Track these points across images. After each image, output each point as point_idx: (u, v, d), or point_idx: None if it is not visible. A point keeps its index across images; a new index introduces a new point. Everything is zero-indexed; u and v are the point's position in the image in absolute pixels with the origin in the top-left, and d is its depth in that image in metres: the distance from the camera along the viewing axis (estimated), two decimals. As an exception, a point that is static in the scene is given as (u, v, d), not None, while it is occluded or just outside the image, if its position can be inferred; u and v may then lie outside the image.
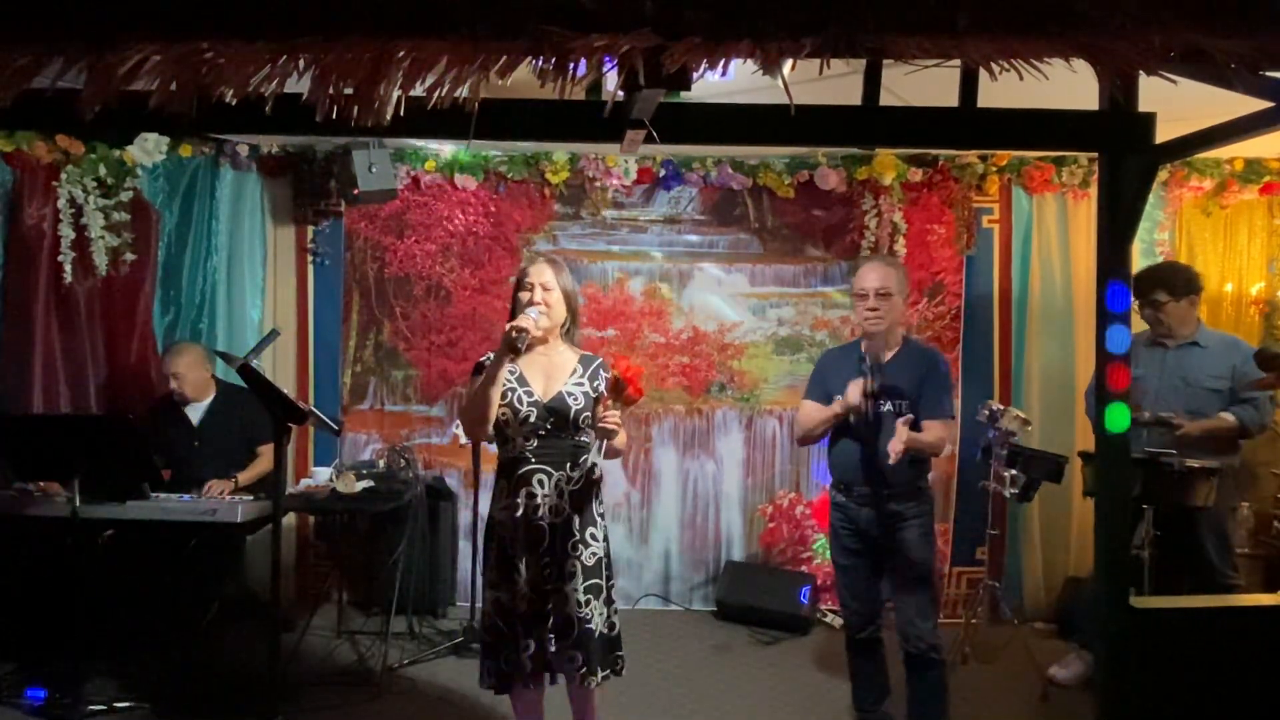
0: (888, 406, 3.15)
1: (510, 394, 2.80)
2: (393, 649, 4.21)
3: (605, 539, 2.89)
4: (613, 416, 2.68)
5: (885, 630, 3.37)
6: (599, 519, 2.88)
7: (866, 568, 3.30)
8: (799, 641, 4.63)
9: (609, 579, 2.89)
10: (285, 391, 3.38)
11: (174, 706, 3.57)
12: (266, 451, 4.33)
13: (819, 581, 4.89)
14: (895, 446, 2.99)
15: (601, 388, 2.79)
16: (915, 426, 3.07)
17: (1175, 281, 3.83)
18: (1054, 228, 4.99)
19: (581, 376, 2.84)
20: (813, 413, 3.33)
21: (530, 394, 2.78)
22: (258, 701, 3.48)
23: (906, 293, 3.36)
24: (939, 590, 3.29)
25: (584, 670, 2.78)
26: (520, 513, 2.80)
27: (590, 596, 2.80)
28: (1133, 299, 3.76)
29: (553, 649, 2.78)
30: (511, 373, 2.83)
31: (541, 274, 2.84)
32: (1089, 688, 3.82)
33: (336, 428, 4.47)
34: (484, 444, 4.46)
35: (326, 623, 4.60)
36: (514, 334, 2.68)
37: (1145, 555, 3.51)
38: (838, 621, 4.81)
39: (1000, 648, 4.28)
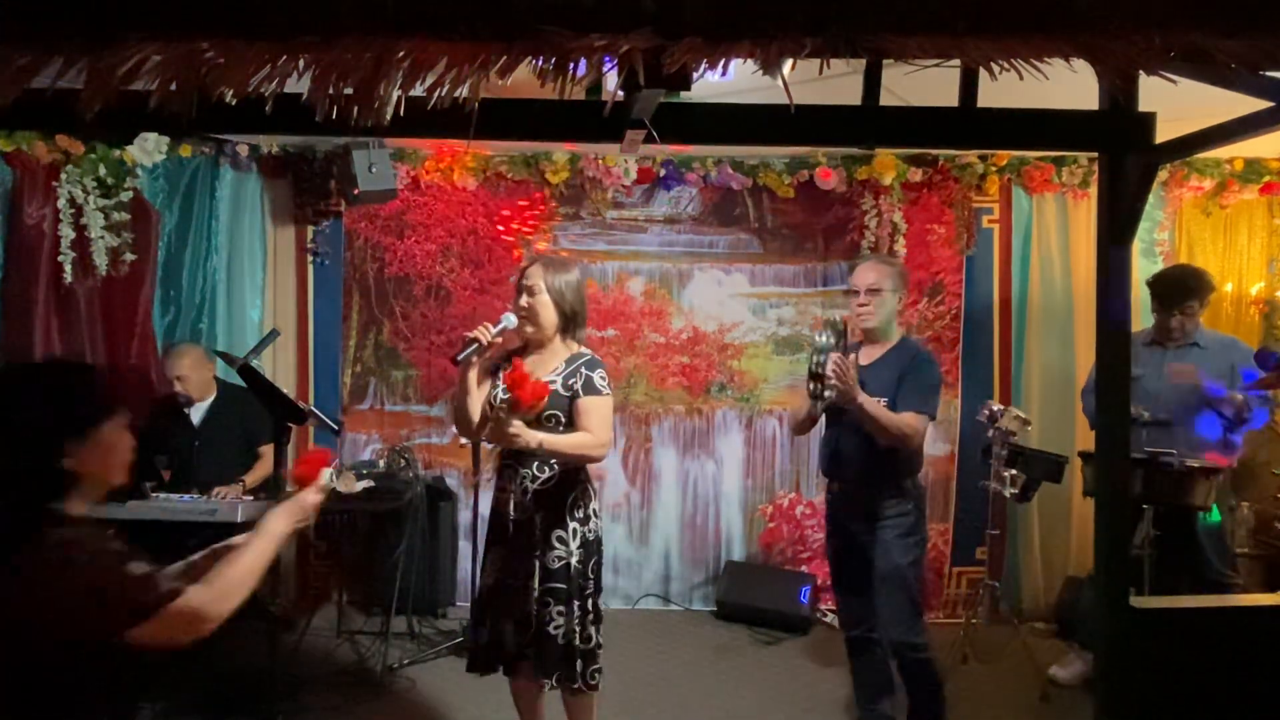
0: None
1: (495, 392, 2.85)
2: (393, 649, 4.21)
3: (583, 547, 2.82)
4: (512, 428, 2.66)
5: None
6: (574, 525, 2.81)
7: (852, 566, 3.26)
8: (799, 641, 4.63)
9: (582, 589, 2.81)
10: (285, 391, 3.38)
11: (174, 706, 3.57)
12: (267, 452, 4.33)
13: (819, 581, 4.89)
14: (837, 363, 2.91)
15: (577, 386, 2.79)
16: None
17: (1202, 288, 3.86)
18: (1054, 228, 4.99)
19: (556, 374, 2.81)
20: (798, 403, 3.37)
21: (507, 391, 2.80)
22: (258, 701, 3.48)
23: (903, 292, 3.36)
24: (917, 593, 3.19)
25: (539, 672, 2.80)
26: (494, 505, 2.92)
27: (551, 600, 2.77)
28: (1154, 305, 3.85)
29: (512, 642, 2.81)
30: (507, 371, 2.87)
31: (529, 277, 2.87)
32: (1089, 688, 3.83)
33: (336, 428, 4.47)
34: (484, 445, 4.50)
35: (326, 623, 4.60)
36: (463, 344, 2.76)
37: (1145, 555, 3.52)
38: (838, 621, 4.82)
39: (1000, 648, 4.27)
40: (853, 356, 3.07)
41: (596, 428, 2.79)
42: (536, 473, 2.81)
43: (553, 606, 2.77)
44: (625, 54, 1.70)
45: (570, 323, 2.88)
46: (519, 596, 2.79)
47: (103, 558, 1.60)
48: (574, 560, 2.79)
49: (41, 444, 1.62)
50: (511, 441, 2.69)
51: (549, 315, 2.84)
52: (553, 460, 2.80)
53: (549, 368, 2.84)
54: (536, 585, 2.77)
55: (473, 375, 2.83)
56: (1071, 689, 3.94)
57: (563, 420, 2.78)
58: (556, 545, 2.79)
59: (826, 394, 3.02)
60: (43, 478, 1.62)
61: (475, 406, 2.87)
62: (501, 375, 2.78)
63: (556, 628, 2.76)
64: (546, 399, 2.73)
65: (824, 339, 3.00)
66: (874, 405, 3.03)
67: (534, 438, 2.70)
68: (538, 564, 2.78)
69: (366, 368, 5.11)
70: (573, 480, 2.83)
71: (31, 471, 1.62)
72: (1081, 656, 4.02)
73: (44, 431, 1.62)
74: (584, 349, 2.91)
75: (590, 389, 2.80)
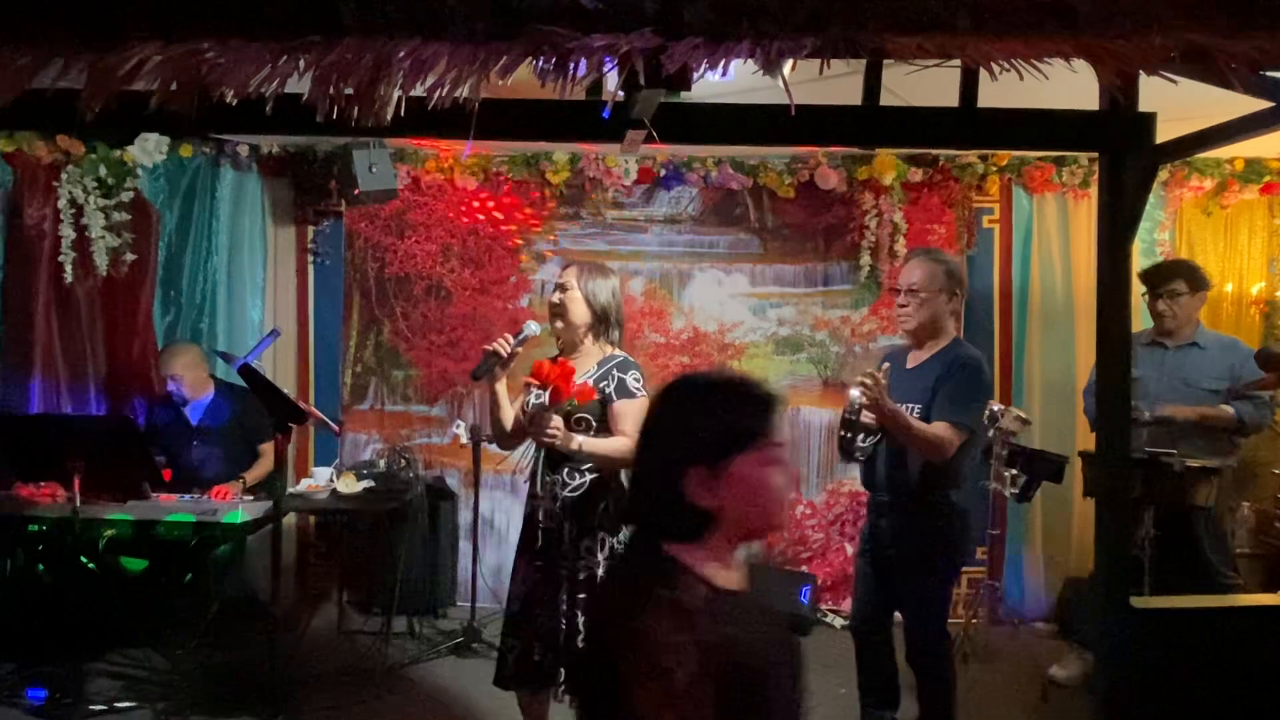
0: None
1: (528, 396, 2.81)
2: (393, 649, 4.21)
3: (611, 558, 2.70)
4: (551, 424, 2.59)
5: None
6: (602, 535, 2.71)
7: (872, 575, 3.22)
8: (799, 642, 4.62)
9: None
10: (285, 391, 3.38)
11: (174, 706, 3.57)
12: (268, 451, 4.34)
13: (819, 581, 4.89)
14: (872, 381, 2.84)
15: (610, 389, 2.72)
16: None
17: (1193, 275, 3.86)
18: (1054, 228, 4.99)
19: (587, 377, 2.75)
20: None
21: (540, 396, 2.76)
22: (258, 701, 3.49)
23: (952, 289, 3.09)
24: (943, 612, 3.12)
25: (563, 686, 2.71)
26: (526, 513, 2.85)
27: (579, 612, 2.69)
28: (1144, 290, 3.85)
29: (537, 657, 2.74)
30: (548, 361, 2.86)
31: (563, 276, 2.84)
32: (1089, 688, 3.83)
33: (336, 428, 4.47)
34: (484, 444, 4.49)
35: (326, 623, 4.60)
36: (482, 359, 2.73)
37: (1145, 555, 3.51)
38: (838, 621, 4.81)
39: (1000, 648, 4.28)
40: (885, 366, 2.99)
41: (634, 432, 2.70)
42: (568, 479, 2.74)
43: (581, 619, 2.68)
44: (625, 54, 1.71)
45: (601, 323, 2.82)
46: (547, 610, 2.72)
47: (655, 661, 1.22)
48: (600, 572, 2.69)
49: (664, 472, 1.36)
50: (550, 442, 2.62)
51: (579, 311, 2.79)
52: (585, 466, 2.73)
53: (581, 370, 2.77)
54: (564, 598, 2.69)
55: (500, 387, 2.80)
56: (1071, 689, 3.94)
57: (593, 424, 2.72)
58: (584, 555, 2.70)
59: (857, 448, 3.01)
60: (667, 511, 1.35)
61: (509, 417, 2.83)
62: (539, 369, 2.67)
63: (584, 642, 2.67)
64: (594, 399, 2.67)
65: (857, 395, 2.92)
66: (900, 413, 2.89)
67: (574, 440, 2.64)
68: (565, 575, 2.70)
69: (367, 368, 5.11)
70: (604, 488, 2.74)
71: (655, 502, 1.37)
72: (1081, 656, 4.02)
73: (671, 457, 1.36)
74: (617, 351, 2.85)
75: (624, 392, 2.72)
